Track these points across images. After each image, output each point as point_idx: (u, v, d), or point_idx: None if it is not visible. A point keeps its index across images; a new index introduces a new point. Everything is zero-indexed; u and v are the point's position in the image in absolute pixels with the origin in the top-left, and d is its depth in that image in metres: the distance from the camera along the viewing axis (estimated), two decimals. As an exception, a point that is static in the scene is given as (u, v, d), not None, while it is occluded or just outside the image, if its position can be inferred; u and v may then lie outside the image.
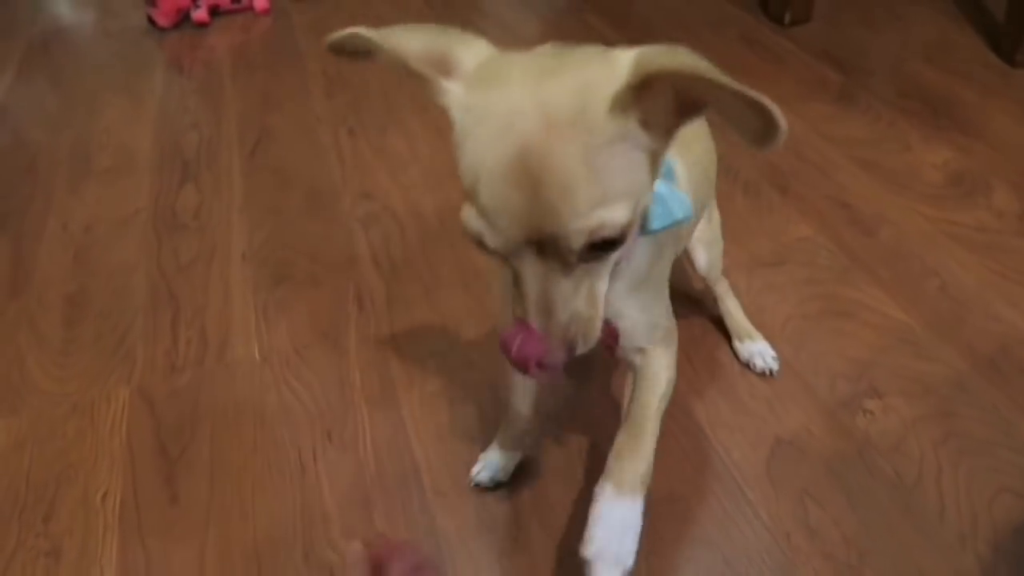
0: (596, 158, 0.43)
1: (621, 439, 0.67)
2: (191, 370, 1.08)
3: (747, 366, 1.02)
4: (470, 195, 0.46)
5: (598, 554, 0.64)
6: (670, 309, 0.71)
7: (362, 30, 0.50)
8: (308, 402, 1.02)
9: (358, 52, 0.52)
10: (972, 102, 1.54)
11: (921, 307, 1.08)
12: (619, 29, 0.76)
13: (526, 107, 0.43)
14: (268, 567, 0.84)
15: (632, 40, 0.49)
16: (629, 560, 0.66)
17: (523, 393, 0.84)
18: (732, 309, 1.05)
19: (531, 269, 0.47)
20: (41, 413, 1.04)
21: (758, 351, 1.01)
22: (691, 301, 1.10)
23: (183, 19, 2.13)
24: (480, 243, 0.47)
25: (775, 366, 1.00)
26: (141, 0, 2.12)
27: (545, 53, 0.48)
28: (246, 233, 1.35)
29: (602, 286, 0.50)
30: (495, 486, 0.89)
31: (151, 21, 2.12)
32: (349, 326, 1.13)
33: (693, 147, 0.73)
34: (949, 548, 0.80)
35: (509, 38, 1.65)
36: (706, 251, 0.95)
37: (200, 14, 2.10)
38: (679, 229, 0.69)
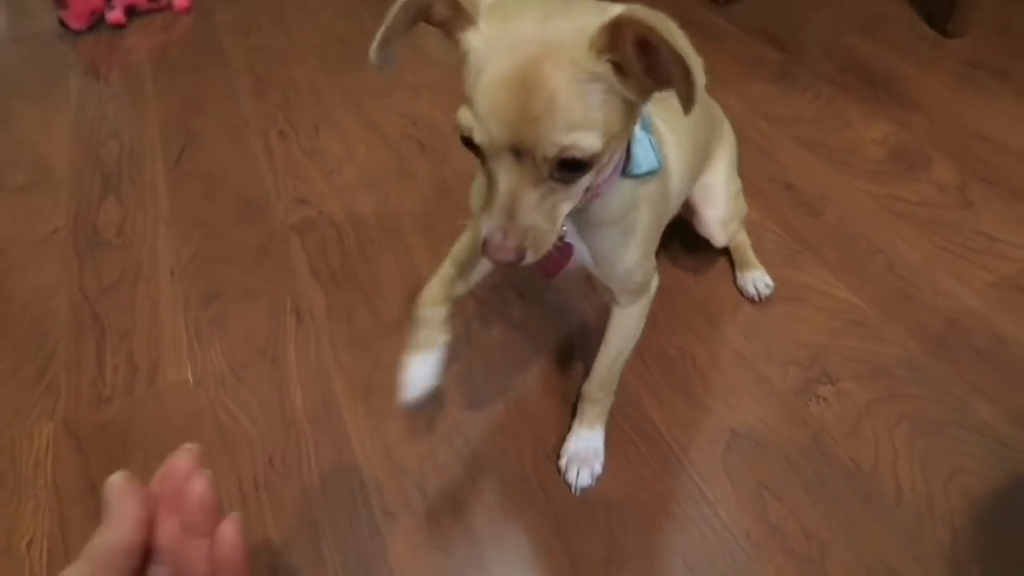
0: (579, 87, 0.50)
1: (586, 386, 0.87)
2: (120, 399, 1.02)
3: (741, 293, 1.08)
4: (469, 99, 0.53)
5: (572, 456, 0.85)
6: (652, 268, 0.79)
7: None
8: (247, 426, 0.97)
9: (399, 32, 0.56)
10: (908, 74, 1.54)
11: (869, 287, 1.08)
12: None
13: (530, 35, 0.50)
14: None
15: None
16: (597, 464, 0.86)
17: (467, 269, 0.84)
18: (741, 242, 1.11)
19: (505, 172, 0.54)
20: (-44, 457, 0.97)
21: (752, 278, 1.08)
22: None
23: (97, 21, 2.01)
24: (469, 139, 0.54)
25: (767, 292, 1.06)
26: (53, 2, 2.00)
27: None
28: (174, 248, 1.27)
29: (564, 207, 0.57)
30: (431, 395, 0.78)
31: (63, 24, 2.01)
32: (288, 341, 1.08)
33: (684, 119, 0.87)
34: (908, 534, 0.80)
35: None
36: (723, 229, 1.01)
37: (115, 15, 1.98)
38: (667, 191, 0.76)
